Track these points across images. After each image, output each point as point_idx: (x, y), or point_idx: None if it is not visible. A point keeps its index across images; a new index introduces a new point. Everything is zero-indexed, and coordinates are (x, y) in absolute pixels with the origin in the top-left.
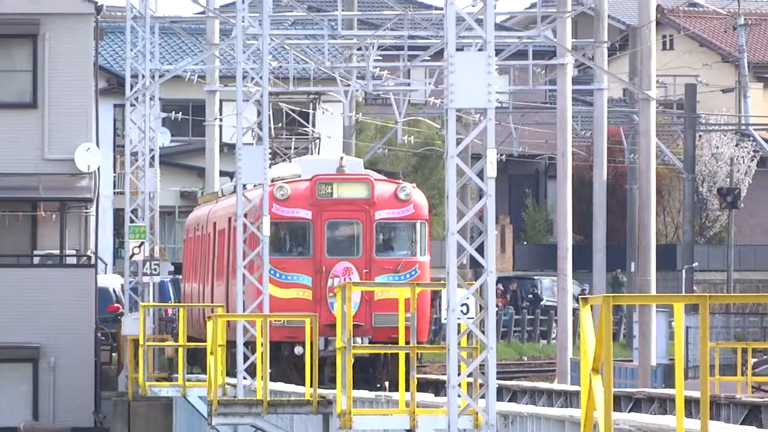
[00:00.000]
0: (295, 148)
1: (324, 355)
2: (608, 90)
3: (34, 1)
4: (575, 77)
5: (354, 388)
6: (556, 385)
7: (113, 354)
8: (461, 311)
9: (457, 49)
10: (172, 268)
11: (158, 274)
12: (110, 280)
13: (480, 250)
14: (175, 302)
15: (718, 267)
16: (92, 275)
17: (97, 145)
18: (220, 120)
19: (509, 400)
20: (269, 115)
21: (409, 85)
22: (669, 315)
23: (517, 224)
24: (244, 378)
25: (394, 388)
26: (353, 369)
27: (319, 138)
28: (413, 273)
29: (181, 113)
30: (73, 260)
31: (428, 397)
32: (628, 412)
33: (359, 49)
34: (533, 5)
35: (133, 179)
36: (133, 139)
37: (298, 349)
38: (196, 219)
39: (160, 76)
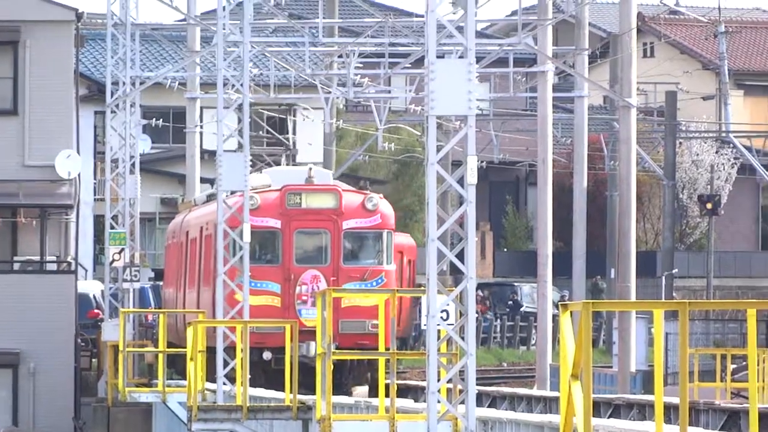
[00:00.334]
0: (271, 155)
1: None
2: (589, 97)
3: (15, 9)
4: (556, 84)
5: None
6: (535, 391)
7: (93, 360)
8: (441, 317)
9: (438, 57)
10: (152, 275)
11: (138, 281)
12: (90, 287)
13: (460, 256)
14: (155, 308)
15: (697, 273)
16: (72, 281)
17: (78, 151)
18: (201, 127)
19: (488, 406)
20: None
21: (389, 92)
22: (648, 321)
23: (497, 231)
24: (224, 384)
25: (374, 393)
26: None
27: (290, 152)
28: (379, 281)
29: (161, 120)
30: (53, 266)
31: (408, 402)
32: (608, 418)
33: (340, 56)
34: (514, 13)
35: (113, 186)
36: (114, 146)
37: (266, 354)
38: (174, 226)
39: (141, 83)
